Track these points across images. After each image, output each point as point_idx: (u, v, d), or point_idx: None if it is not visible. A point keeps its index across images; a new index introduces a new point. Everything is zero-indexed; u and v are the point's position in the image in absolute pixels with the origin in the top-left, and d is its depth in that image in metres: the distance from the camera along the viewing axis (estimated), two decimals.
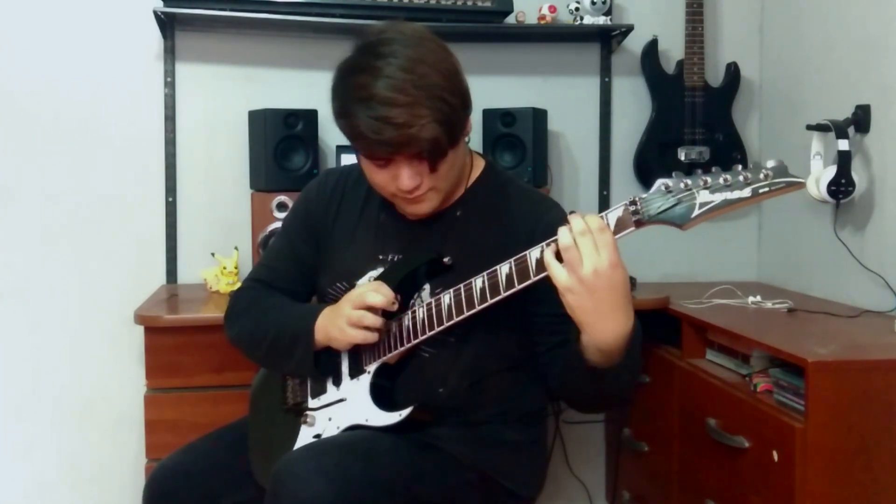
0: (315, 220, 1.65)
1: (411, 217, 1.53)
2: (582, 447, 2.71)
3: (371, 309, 1.43)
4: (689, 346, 2.09)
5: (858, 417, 1.56)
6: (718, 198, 1.16)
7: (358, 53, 1.42)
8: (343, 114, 1.40)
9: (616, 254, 1.21)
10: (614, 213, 1.22)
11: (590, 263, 1.20)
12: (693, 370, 2.01)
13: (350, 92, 1.38)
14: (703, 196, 1.17)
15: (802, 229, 2.48)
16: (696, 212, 1.17)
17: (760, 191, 1.14)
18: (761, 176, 1.14)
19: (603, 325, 1.24)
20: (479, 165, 1.60)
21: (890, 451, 1.57)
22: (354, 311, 1.43)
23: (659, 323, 2.18)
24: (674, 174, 1.20)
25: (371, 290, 1.43)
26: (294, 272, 1.66)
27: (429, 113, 1.35)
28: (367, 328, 1.43)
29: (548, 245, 1.26)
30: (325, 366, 1.54)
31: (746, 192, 1.15)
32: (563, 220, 1.24)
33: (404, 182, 1.42)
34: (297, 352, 1.52)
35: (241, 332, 1.63)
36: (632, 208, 1.20)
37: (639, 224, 1.20)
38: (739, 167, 1.17)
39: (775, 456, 1.62)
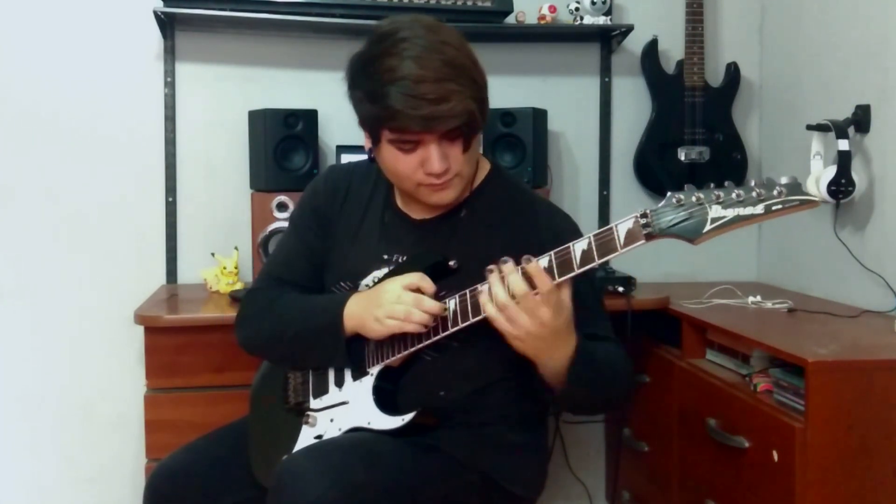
0: (322, 213, 1.63)
1: (435, 207, 1.52)
2: (582, 447, 2.71)
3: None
4: (689, 346, 2.09)
5: (858, 417, 1.56)
6: (730, 213, 1.15)
7: (376, 42, 1.40)
8: (374, 98, 1.37)
9: (550, 307, 1.27)
10: (624, 226, 1.21)
11: (533, 324, 1.27)
12: (693, 370, 2.01)
13: (379, 76, 1.36)
14: (716, 211, 1.15)
15: (802, 229, 2.48)
16: (708, 227, 1.16)
17: (773, 208, 1.13)
18: (775, 192, 1.13)
19: (550, 355, 1.34)
20: (485, 167, 1.60)
21: (890, 451, 1.57)
22: (400, 306, 1.40)
23: (659, 323, 2.18)
24: (686, 187, 1.18)
25: (427, 299, 1.40)
26: (306, 267, 1.63)
27: (461, 89, 1.35)
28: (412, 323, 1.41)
29: (556, 254, 1.27)
30: (355, 355, 1.51)
31: (759, 209, 1.14)
32: (571, 231, 1.26)
33: (434, 164, 1.40)
34: (325, 342, 1.49)
35: (258, 333, 1.60)
36: (642, 221, 1.19)
37: (649, 237, 1.19)
38: (752, 182, 1.15)
39: (775, 456, 1.62)
